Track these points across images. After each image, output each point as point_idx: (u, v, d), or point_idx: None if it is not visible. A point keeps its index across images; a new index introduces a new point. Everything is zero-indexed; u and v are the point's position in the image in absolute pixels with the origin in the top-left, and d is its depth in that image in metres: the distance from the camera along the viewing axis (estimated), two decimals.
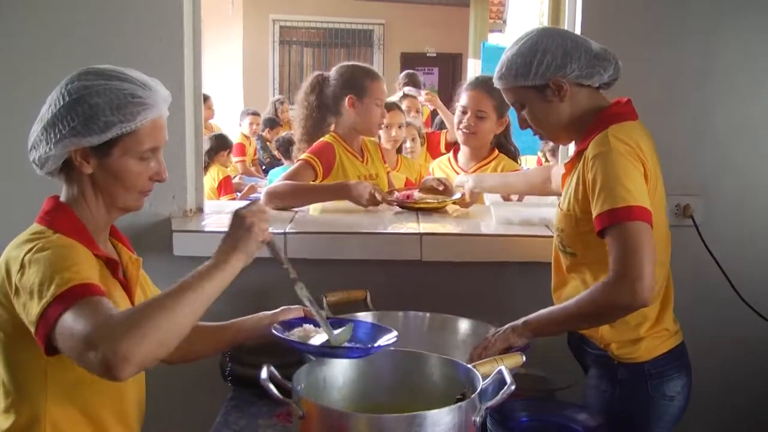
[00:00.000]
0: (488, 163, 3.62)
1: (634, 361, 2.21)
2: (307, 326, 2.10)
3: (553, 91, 2.19)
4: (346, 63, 3.73)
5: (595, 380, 2.31)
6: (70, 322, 1.60)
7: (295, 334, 2.06)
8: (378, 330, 2.11)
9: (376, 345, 1.99)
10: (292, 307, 2.23)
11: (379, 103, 3.52)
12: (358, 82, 3.53)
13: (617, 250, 1.99)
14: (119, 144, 1.87)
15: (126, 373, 1.55)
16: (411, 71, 10.91)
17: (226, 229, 2.82)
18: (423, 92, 6.44)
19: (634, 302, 1.96)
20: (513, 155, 3.75)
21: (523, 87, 2.21)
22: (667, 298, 2.27)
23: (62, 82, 1.88)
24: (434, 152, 5.16)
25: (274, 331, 2.05)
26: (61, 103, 1.85)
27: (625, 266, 1.96)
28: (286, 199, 3.17)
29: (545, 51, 2.17)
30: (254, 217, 1.87)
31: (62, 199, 1.95)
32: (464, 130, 3.55)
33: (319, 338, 2.01)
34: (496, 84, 2.32)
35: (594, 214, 2.05)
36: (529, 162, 8.72)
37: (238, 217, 1.88)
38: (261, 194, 4.62)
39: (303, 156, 3.39)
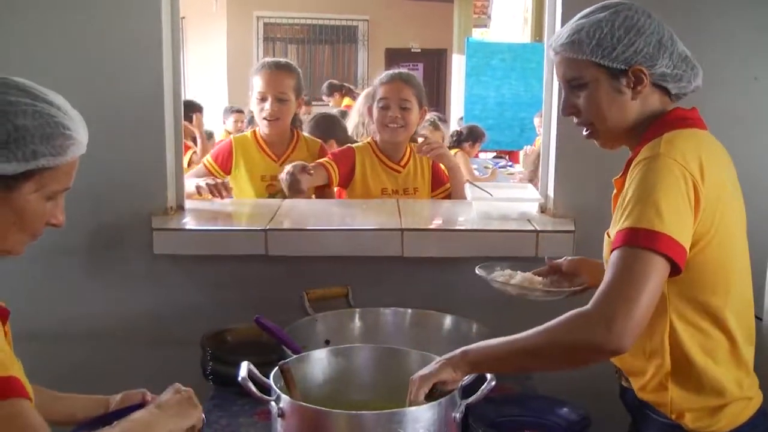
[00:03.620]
0: (407, 163, 3.45)
1: None
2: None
3: (630, 82, 1.82)
4: None
5: None
6: None
7: None
8: None
9: None
10: (134, 392, 1.98)
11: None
12: None
13: (614, 273, 1.64)
14: (35, 178, 1.58)
15: None
16: (330, 81, 10.83)
17: (206, 227, 2.85)
18: None
19: (606, 344, 1.59)
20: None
21: (596, 64, 1.81)
22: (750, 350, 1.90)
23: None
24: None
25: None
26: None
27: (615, 297, 1.61)
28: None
29: (640, 32, 1.80)
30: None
31: None
32: (392, 125, 3.33)
33: None
34: (558, 50, 1.88)
35: (616, 229, 1.72)
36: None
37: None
38: None
39: None
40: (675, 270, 1.67)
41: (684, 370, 1.81)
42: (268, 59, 3.58)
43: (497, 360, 1.77)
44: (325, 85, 10.72)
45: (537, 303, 2.27)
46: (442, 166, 3.50)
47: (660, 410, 1.87)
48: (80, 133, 1.63)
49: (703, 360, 1.81)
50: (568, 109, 1.92)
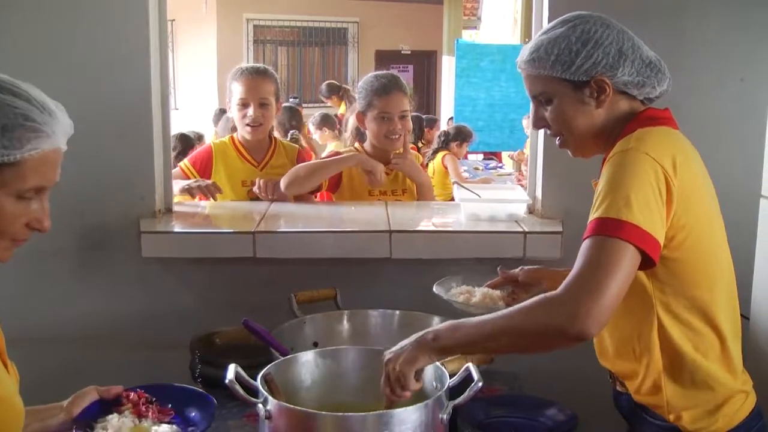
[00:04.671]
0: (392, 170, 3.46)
1: None
2: (110, 417, 1.85)
3: (592, 92, 1.85)
4: None
5: None
6: None
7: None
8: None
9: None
10: (85, 390, 1.88)
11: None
12: None
13: (582, 261, 1.64)
14: None
15: None
16: (330, 81, 10.82)
17: (195, 230, 2.85)
18: None
19: (569, 328, 1.57)
20: None
21: (557, 78, 1.85)
22: (738, 346, 1.89)
23: None
24: None
25: None
26: None
27: (582, 282, 1.60)
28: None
29: (598, 44, 1.82)
30: None
31: None
32: (395, 137, 3.34)
33: None
34: (522, 66, 1.93)
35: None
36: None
37: None
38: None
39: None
40: (649, 262, 1.66)
41: (676, 367, 1.81)
42: (246, 65, 3.58)
43: (467, 343, 1.75)
44: (324, 86, 10.70)
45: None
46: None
47: (657, 412, 1.86)
48: (51, 125, 1.51)
49: (694, 355, 1.81)
50: (538, 122, 1.96)
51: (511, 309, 1.70)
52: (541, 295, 1.66)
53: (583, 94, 1.85)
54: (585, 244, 1.66)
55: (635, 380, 1.88)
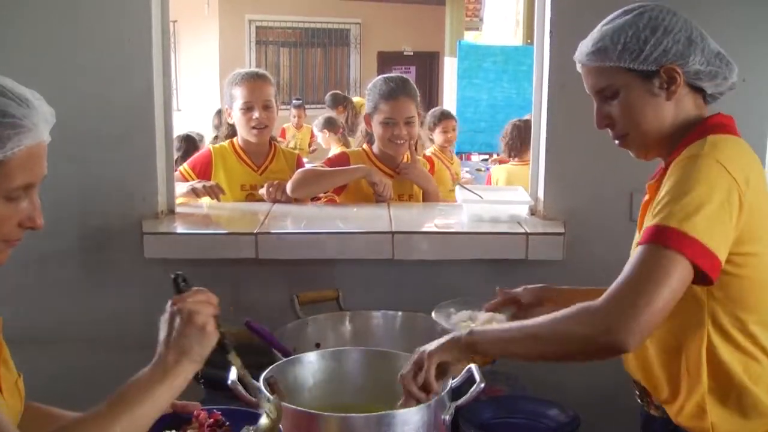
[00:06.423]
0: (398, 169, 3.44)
1: None
2: None
3: (662, 83, 1.74)
4: None
5: None
6: None
7: None
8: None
9: None
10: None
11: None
12: None
13: (629, 270, 1.57)
14: None
15: None
16: (334, 92, 10.85)
17: (197, 231, 2.85)
18: None
19: (604, 340, 1.53)
20: None
21: (624, 69, 1.74)
22: None
23: None
24: None
25: None
26: None
27: (625, 293, 1.55)
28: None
29: (667, 31, 1.72)
30: (198, 308, 1.51)
31: None
32: (399, 142, 3.33)
33: None
34: (585, 59, 1.81)
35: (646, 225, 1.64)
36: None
37: (177, 313, 1.53)
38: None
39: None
40: (705, 279, 1.58)
41: (723, 389, 1.72)
42: (244, 70, 3.60)
43: (506, 344, 1.71)
44: (329, 97, 10.68)
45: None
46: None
47: None
48: (31, 118, 1.40)
49: (742, 378, 1.71)
50: (602, 120, 1.84)
51: (549, 316, 1.65)
52: (582, 304, 1.61)
53: (653, 84, 1.75)
54: (639, 251, 1.59)
55: (675, 402, 1.79)
